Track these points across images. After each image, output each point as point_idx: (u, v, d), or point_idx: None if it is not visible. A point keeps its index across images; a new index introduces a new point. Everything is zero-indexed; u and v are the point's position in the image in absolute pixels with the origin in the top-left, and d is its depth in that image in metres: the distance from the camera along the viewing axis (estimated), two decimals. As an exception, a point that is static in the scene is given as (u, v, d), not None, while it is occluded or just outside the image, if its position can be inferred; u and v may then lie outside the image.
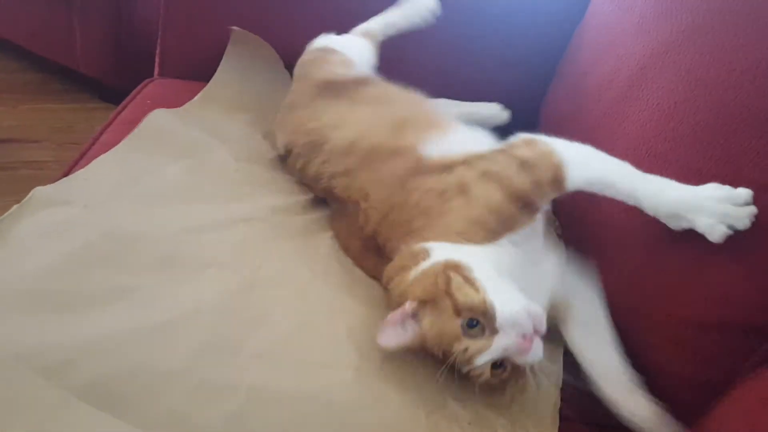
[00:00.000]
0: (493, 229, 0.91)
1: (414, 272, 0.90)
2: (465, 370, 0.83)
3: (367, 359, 0.89)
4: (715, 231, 0.80)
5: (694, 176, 0.87)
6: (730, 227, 0.80)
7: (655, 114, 0.99)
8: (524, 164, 0.92)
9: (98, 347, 0.81)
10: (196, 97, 1.44)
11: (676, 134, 0.93)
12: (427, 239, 0.93)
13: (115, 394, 0.77)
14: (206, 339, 0.86)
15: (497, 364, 0.82)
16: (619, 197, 0.89)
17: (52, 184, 1.11)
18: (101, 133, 1.35)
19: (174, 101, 1.43)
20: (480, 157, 0.99)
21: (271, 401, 0.80)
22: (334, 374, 0.86)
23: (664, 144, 0.95)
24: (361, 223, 1.05)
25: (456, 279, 0.85)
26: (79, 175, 1.15)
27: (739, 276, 0.82)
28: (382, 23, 1.42)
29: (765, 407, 0.72)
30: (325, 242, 1.11)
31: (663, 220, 0.86)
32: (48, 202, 1.04)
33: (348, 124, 1.18)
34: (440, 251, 0.90)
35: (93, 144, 1.31)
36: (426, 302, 0.85)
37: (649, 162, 0.95)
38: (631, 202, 0.88)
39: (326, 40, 1.39)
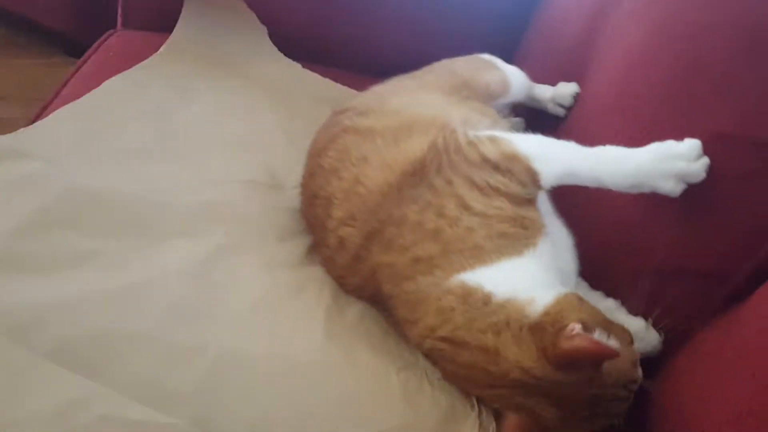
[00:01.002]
0: (522, 236, 0.84)
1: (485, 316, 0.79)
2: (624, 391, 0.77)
3: (336, 322, 0.89)
4: (675, 190, 0.82)
5: (655, 128, 0.88)
6: (686, 182, 0.81)
7: (621, 69, 1.00)
8: (497, 168, 0.87)
9: (65, 309, 0.81)
10: (159, 51, 1.40)
11: (638, 87, 0.95)
12: (459, 268, 0.82)
13: (82, 355, 0.77)
14: (174, 302, 0.85)
15: None
16: (583, 183, 0.88)
17: (11, 134, 1.08)
18: (62, 88, 1.31)
19: (137, 54, 1.38)
20: (455, 160, 0.89)
21: (240, 363, 0.81)
22: (304, 337, 0.86)
23: (629, 98, 0.96)
24: (332, 247, 0.95)
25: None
26: (39, 125, 1.12)
27: (695, 223, 0.84)
28: (545, 91, 1.29)
29: (719, 352, 0.75)
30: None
31: (627, 191, 0.86)
32: (8, 153, 1.01)
33: (409, 100, 1.07)
34: (486, 281, 0.81)
35: (54, 98, 1.27)
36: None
37: (614, 117, 0.98)
38: (594, 185, 0.87)
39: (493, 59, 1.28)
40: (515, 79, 1.22)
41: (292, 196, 1.09)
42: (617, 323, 0.79)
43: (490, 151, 0.88)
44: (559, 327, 0.73)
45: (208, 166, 1.11)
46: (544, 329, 0.74)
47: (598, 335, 0.73)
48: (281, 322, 0.88)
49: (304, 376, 0.82)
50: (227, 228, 0.99)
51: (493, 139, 0.90)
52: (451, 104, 1.09)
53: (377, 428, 0.78)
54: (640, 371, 0.77)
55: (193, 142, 1.17)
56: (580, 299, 0.80)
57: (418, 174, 0.89)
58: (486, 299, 0.79)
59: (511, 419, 0.76)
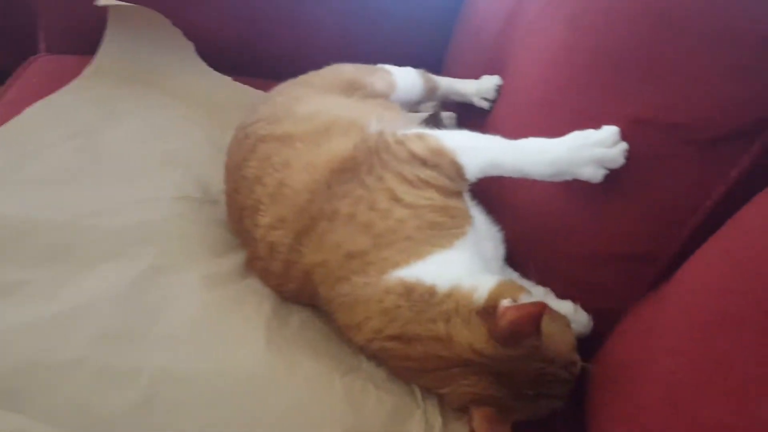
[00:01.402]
0: (451, 225, 0.87)
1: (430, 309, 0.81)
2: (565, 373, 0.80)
3: (278, 333, 0.88)
4: (596, 176, 0.84)
5: (575, 119, 0.90)
6: (607, 168, 0.84)
7: (541, 65, 1.02)
8: (426, 163, 0.89)
9: (-12, 344, 0.78)
10: (82, 74, 1.37)
11: (559, 80, 0.97)
12: (393, 264, 0.83)
13: (8, 389, 0.74)
14: (105, 328, 0.83)
15: None
16: (507, 174, 0.90)
17: None
18: (-15, 116, 1.27)
19: (62, 78, 1.36)
20: (386, 159, 0.90)
21: (178, 383, 0.79)
22: (244, 349, 0.85)
23: (551, 91, 0.98)
24: (264, 256, 0.94)
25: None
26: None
27: (619, 209, 0.87)
28: (447, 83, 1.34)
29: (649, 330, 0.77)
30: None
31: (550, 180, 0.88)
32: None
33: (317, 104, 1.09)
34: (424, 274, 0.83)
35: (-25, 128, 1.23)
36: None
37: (537, 110, 1.01)
38: (518, 176, 0.90)
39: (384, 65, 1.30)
40: (402, 80, 1.25)
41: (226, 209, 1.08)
42: (552, 309, 0.82)
43: (418, 148, 0.90)
44: (510, 311, 0.77)
45: (137, 186, 1.09)
46: (490, 312, 0.78)
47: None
48: (221, 337, 0.86)
49: (246, 390, 0.80)
50: (160, 247, 0.97)
51: (420, 136, 0.92)
52: (357, 104, 1.11)
53: (323, 435, 0.77)
54: (578, 356, 0.80)
55: (121, 163, 1.14)
56: (517, 284, 0.85)
57: (348, 171, 0.90)
58: (430, 291, 0.81)
59: (479, 412, 0.78)
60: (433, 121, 1.32)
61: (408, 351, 0.81)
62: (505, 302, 0.77)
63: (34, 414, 0.72)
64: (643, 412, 0.70)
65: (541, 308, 0.74)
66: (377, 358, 0.87)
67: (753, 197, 0.71)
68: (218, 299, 0.91)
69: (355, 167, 0.90)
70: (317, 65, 1.26)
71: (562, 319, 0.84)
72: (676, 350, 0.69)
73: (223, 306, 0.91)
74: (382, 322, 0.82)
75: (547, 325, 0.77)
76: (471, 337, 0.78)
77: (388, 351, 0.83)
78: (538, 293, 0.95)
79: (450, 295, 0.81)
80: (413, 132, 0.94)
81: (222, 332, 0.87)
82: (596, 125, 0.86)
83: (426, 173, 0.88)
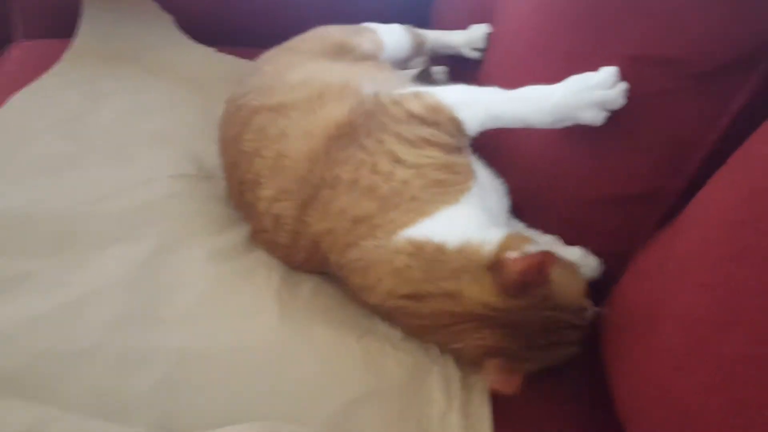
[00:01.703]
0: (456, 182, 0.86)
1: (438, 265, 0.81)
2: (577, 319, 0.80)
3: (289, 303, 0.88)
4: (597, 119, 0.83)
5: (570, 61, 0.89)
6: (608, 110, 0.83)
7: (530, 8, 1.00)
8: (425, 121, 0.88)
9: (1, 338, 0.77)
10: (63, 57, 1.34)
11: (549, 24, 0.95)
12: (400, 225, 0.83)
13: (28, 382, 0.74)
14: (119, 312, 0.83)
15: None
16: (509, 125, 0.89)
17: None
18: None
19: (43, 63, 1.33)
20: (384, 121, 0.89)
21: (199, 361, 0.79)
22: (259, 322, 0.85)
23: (542, 35, 0.97)
24: (269, 229, 0.94)
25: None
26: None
27: (622, 149, 0.86)
28: (435, 36, 1.32)
29: (662, 268, 0.76)
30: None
31: (551, 127, 0.87)
32: None
33: (308, 70, 1.07)
34: (432, 232, 0.82)
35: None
36: None
37: (529, 54, 0.99)
38: (519, 126, 0.89)
39: (370, 24, 1.27)
40: (389, 38, 1.23)
41: (224, 185, 1.07)
42: (561, 257, 0.82)
43: (415, 107, 0.89)
44: (518, 261, 0.77)
45: (131, 168, 1.07)
46: (501, 265, 0.77)
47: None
48: (233, 312, 0.86)
49: (263, 362, 0.80)
50: (163, 227, 0.96)
51: (416, 94, 0.91)
52: (348, 67, 1.09)
53: (345, 399, 0.78)
54: (589, 301, 0.80)
55: (112, 146, 1.13)
56: (525, 235, 0.85)
57: (345, 136, 0.89)
58: (440, 249, 0.81)
59: (492, 363, 0.78)
60: (425, 77, 1.31)
61: (421, 309, 0.82)
62: (513, 254, 0.77)
63: (56, 403, 0.72)
64: (662, 350, 0.71)
65: (548, 257, 0.74)
66: (391, 318, 0.87)
67: (758, 127, 0.70)
68: (227, 274, 0.91)
69: (353, 131, 0.89)
70: (300, 29, 1.23)
71: (570, 266, 0.84)
72: (694, 286, 0.68)
73: (232, 280, 0.91)
74: (394, 282, 0.82)
75: (555, 273, 0.77)
76: (481, 292, 0.78)
77: (402, 310, 0.84)
78: (546, 242, 0.95)
79: (460, 251, 0.81)
80: (409, 91, 0.92)
81: (234, 306, 0.87)
82: (591, 66, 0.85)
83: (426, 131, 0.87)
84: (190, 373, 0.78)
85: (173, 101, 1.26)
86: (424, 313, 0.82)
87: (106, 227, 0.96)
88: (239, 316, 0.86)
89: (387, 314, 0.87)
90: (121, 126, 1.17)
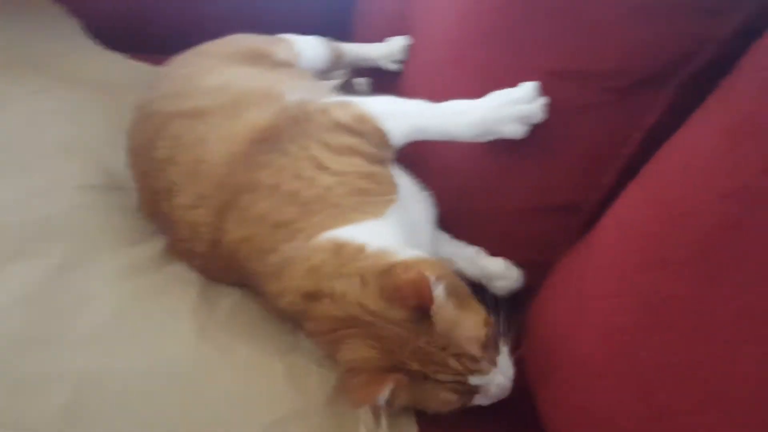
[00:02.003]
0: (379, 192, 0.85)
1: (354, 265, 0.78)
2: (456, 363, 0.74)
3: (207, 320, 0.84)
4: (518, 132, 0.85)
5: (490, 75, 0.91)
6: (529, 124, 0.84)
7: (450, 22, 1.01)
8: (350, 130, 0.87)
9: None
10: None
11: (471, 37, 0.96)
12: (323, 228, 0.81)
13: None
14: (18, 333, 0.76)
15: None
16: (433, 138, 0.90)
17: None
18: None
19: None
20: (308, 128, 0.88)
21: (107, 384, 0.74)
22: (174, 341, 0.80)
23: (464, 48, 0.97)
24: (185, 238, 0.90)
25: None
26: None
27: (542, 162, 0.88)
28: (353, 48, 1.31)
29: (580, 277, 0.78)
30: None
31: (474, 140, 0.88)
32: None
33: (225, 75, 1.03)
34: (356, 235, 0.81)
35: None
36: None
37: (450, 67, 0.99)
38: (443, 138, 0.90)
39: (288, 35, 1.24)
40: (305, 49, 1.23)
41: (135, 195, 1.02)
42: (477, 303, 0.79)
43: (341, 116, 0.88)
44: (409, 271, 0.74)
45: (33, 178, 1.00)
46: (391, 272, 0.75)
47: (438, 287, 0.74)
48: (145, 331, 0.81)
49: (179, 384, 0.76)
50: (67, 242, 0.90)
51: (343, 104, 0.90)
52: (267, 74, 1.07)
53: (267, 420, 0.75)
54: (483, 363, 0.75)
55: (11, 154, 1.04)
56: (437, 263, 0.81)
57: (268, 141, 0.87)
58: (360, 249, 0.79)
59: (392, 380, 0.73)
60: (347, 88, 1.30)
61: (314, 310, 0.78)
62: (433, 278, 0.73)
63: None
64: (582, 359, 0.72)
65: (424, 280, 0.71)
66: (299, 324, 0.83)
67: (668, 138, 0.73)
68: (138, 291, 0.86)
69: (276, 136, 0.87)
70: (215, 38, 1.20)
71: (476, 312, 0.78)
72: (609, 294, 0.70)
73: (144, 297, 0.86)
74: (303, 279, 0.79)
75: (450, 308, 0.75)
76: (362, 293, 0.75)
77: (301, 313, 0.80)
78: (469, 252, 0.96)
79: (377, 255, 0.79)
80: (336, 100, 0.92)
81: (147, 325, 0.82)
82: (507, 79, 0.86)
83: (351, 140, 0.86)
84: (97, 397, 0.73)
85: (80, 108, 1.19)
86: (315, 315, 0.79)
87: (3, 242, 0.88)
88: (152, 335, 0.81)
89: (294, 320, 0.83)
90: (23, 134, 1.09)
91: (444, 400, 0.76)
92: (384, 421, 0.78)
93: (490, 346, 0.76)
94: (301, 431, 0.75)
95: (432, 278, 0.73)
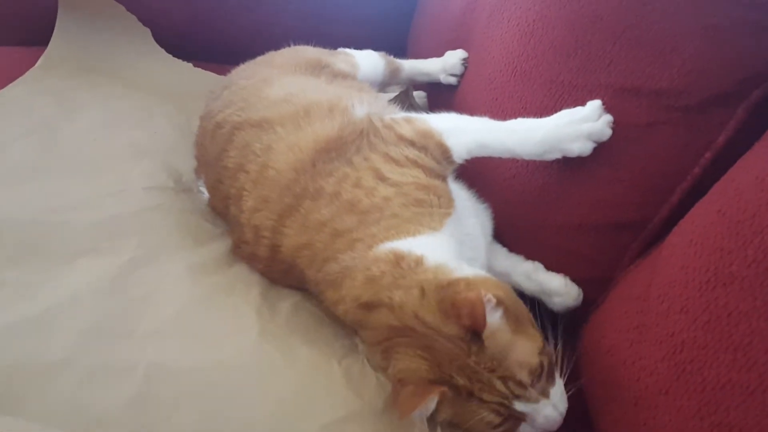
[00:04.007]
0: (436, 204, 0.86)
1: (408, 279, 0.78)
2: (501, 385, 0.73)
3: (269, 320, 0.86)
4: (584, 150, 0.86)
5: (556, 89, 0.91)
6: (595, 141, 0.85)
7: (516, 35, 1.01)
8: (414, 144, 0.90)
9: (-35, 350, 0.74)
10: (36, 65, 1.31)
11: (537, 51, 0.96)
12: (381, 239, 0.82)
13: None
14: (90, 325, 0.79)
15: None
16: (496, 155, 0.91)
17: None
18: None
19: (12, 71, 1.29)
20: (374, 141, 0.90)
21: (173, 377, 0.76)
22: (238, 340, 0.82)
23: (528, 62, 0.98)
24: (250, 241, 0.92)
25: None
26: None
27: (607, 178, 0.87)
28: (411, 63, 1.34)
29: (645, 294, 0.77)
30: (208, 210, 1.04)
31: (539, 159, 0.89)
32: None
33: (289, 86, 1.06)
34: (414, 248, 0.81)
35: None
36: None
37: (515, 80, 0.99)
38: (507, 156, 0.91)
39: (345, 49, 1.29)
40: (363, 61, 1.26)
41: (202, 198, 1.05)
42: (535, 330, 0.78)
43: (406, 131, 0.90)
44: (471, 290, 0.74)
45: (104, 179, 1.05)
46: (451, 287, 0.75)
47: (496, 312, 0.74)
48: (211, 328, 0.84)
49: (241, 381, 0.78)
50: (138, 239, 0.93)
51: (408, 120, 0.93)
52: (330, 86, 1.10)
53: (324, 420, 0.76)
54: (531, 391, 0.73)
55: (84, 157, 1.10)
56: (508, 288, 0.80)
57: (334, 150, 0.89)
58: (419, 261, 0.80)
59: (437, 392, 0.73)
60: (405, 99, 1.32)
61: (370, 319, 0.79)
62: (491, 296, 0.73)
63: (27, 416, 0.68)
64: (647, 375, 0.71)
65: (481, 304, 0.71)
66: (354, 329, 0.85)
67: (743, 155, 0.72)
68: (206, 289, 0.89)
69: (342, 147, 0.89)
70: (275, 49, 1.24)
71: (532, 340, 0.76)
72: (677, 312, 0.69)
73: (211, 296, 0.88)
74: (361, 289, 0.80)
75: (505, 332, 0.74)
76: (419, 305, 0.75)
77: (359, 322, 0.81)
78: (527, 267, 0.96)
79: (435, 269, 0.79)
80: (401, 116, 0.94)
81: (212, 322, 0.85)
82: (575, 94, 0.87)
83: (413, 153, 0.88)
84: (166, 389, 0.75)
85: (149, 114, 1.24)
86: (372, 324, 0.79)
87: (77, 238, 0.92)
88: (217, 332, 0.83)
89: (352, 326, 0.85)
90: (95, 137, 1.15)
91: (487, 420, 0.74)
92: (438, 428, 0.78)
93: (542, 376, 0.74)
94: (358, 432, 0.76)
95: (492, 301, 0.73)
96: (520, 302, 0.79)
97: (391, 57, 1.32)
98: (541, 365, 0.74)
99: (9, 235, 0.90)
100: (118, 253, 0.90)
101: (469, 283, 0.76)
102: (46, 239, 0.91)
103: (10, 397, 0.70)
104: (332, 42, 1.31)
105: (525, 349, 0.74)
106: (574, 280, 0.94)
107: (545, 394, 0.74)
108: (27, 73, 1.29)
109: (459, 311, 0.72)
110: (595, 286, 0.91)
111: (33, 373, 0.73)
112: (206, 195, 1.05)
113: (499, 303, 0.74)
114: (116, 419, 0.71)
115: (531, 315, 0.79)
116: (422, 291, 0.76)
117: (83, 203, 0.99)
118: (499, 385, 0.72)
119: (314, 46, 1.28)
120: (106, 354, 0.77)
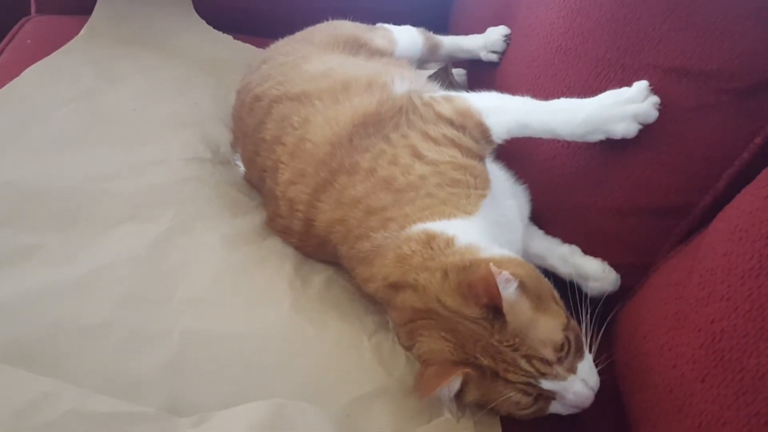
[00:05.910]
0: (472, 185, 0.84)
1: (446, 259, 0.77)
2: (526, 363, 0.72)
3: (301, 293, 0.87)
4: (630, 131, 0.83)
5: (602, 68, 0.89)
6: (641, 123, 0.83)
7: (562, 12, 0.99)
8: (452, 123, 0.89)
9: (9, 308, 0.76)
10: (79, 34, 1.33)
11: (583, 29, 0.94)
12: (415, 219, 0.81)
13: (36, 354, 0.72)
14: (128, 291, 0.81)
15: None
16: (537, 135, 0.89)
17: None
18: (-21, 81, 1.22)
19: (56, 40, 1.31)
20: (412, 119, 0.90)
21: (206, 343, 0.78)
22: (270, 311, 0.83)
23: (573, 40, 0.95)
24: (284, 215, 0.93)
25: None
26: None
27: (650, 161, 0.85)
28: (451, 40, 1.32)
29: (685, 281, 0.75)
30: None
31: (581, 140, 0.87)
32: None
33: (327, 62, 1.06)
34: (446, 229, 0.80)
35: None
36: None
37: (559, 58, 0.97)
38: (548, 137, 0.89)
39: (383, 24, 1.28)
40: (402, 37, 1.24)
41: (238, 171, 1.06)
42: (559, 307, 0.76)
43: (445, 109, 0.89)
44: (484, 268, 0.72)
45: (144, 149, 1.06)
46: (469, 269, 0.74)
47: (511, 285, 0.72)
48: (244, 297, 0.85)
49: (273, 351, 0.79)
50: (176, 209, 0.95)
51: (447, 98, 0.92)
52: (369, 62, 1.10)
53: (354, 394, 0.77)
54: (557, 368, 0.72)
55: (125, 126, 1.11)
56: (527, 265, 0.79)
57: (372, 126, 0.89)
58: (449, 243, 0.79)
59: (460, 372, 0.72)
60: (444, 76, 1.30)
61: (395, 300, 0.79)
62: (506, 273, 0.71)
63: (63, 377, 0.70)
64: (686, 361, 0.70)
65: (492, 277, 0.69)
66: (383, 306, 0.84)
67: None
68: (240, 260, 0.90)
69: (379, 123, 0.89)
70: (316, 23, 1.24)
71: (556, 316, 0.75)
72: (718, 298, 0.68)
73: (244, 267, 0.89)
74: (391, 268, 0.80)
75: (525, 308, 0.73)
76: (440, 287, 0.75)
77: (387, 301, 0.81)
78: (563, 250, 0.95)
79: (465, 250, 0.78)
80: (441, 94, 0.93)
81: (246, 292, 0.86)
82: (622, 74, 0.85)
83: (451, 132, 0.87)
84: (199, 355, 0.76)
85: (188, 85, 1.25)
86: (397, 305, 0.79)
87: (117, 206, 0.94)
88: (251, 302, 0.85)
89: (381, 303, 0.84)
90: (136, 107, 1.16)
91: (514, 400, 0.73)
92: (468, 411, 0.78)
93: (570, 352, 0.73)
94: (386, 408, 0.76)
95: (505, 276, 0.71)
96: (543, 279, 0.79)
97: (431, 33, 1.30)
98: (567, 341, 0.73)
99: (52, 201, 0.93)
100: (156, 221, 0.92)
101: (485, 262, 0.74)
102: (88, 206, 0.93)
103: (49, 356, 0.72)
104: (372, 17, 1.30)
105: (548, 326, 0.73)
106: (611, 265, 0.92)
107: (572, 370, 0.73)
108: (70, 42, 1.30)
109: (475, 290, 0.72)
110: (633, 272, 0.89)
111: (72, 335, 0.75)
112: (242, 168, 1.06)
113: (515, 277, 0.73)
114: (150, 383, 0.73)
115: (555, 292, 0.78)
116: (445, 274, 0.75)
117: (123, 172, 1.01)
118: (523, 363, 0.71)
119: (353, 20, 1.27)
120: (143, 319, 0.78)
